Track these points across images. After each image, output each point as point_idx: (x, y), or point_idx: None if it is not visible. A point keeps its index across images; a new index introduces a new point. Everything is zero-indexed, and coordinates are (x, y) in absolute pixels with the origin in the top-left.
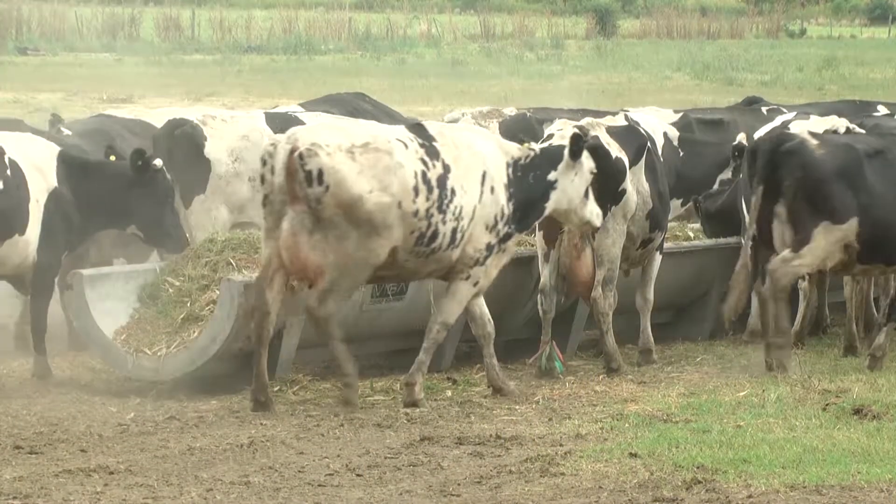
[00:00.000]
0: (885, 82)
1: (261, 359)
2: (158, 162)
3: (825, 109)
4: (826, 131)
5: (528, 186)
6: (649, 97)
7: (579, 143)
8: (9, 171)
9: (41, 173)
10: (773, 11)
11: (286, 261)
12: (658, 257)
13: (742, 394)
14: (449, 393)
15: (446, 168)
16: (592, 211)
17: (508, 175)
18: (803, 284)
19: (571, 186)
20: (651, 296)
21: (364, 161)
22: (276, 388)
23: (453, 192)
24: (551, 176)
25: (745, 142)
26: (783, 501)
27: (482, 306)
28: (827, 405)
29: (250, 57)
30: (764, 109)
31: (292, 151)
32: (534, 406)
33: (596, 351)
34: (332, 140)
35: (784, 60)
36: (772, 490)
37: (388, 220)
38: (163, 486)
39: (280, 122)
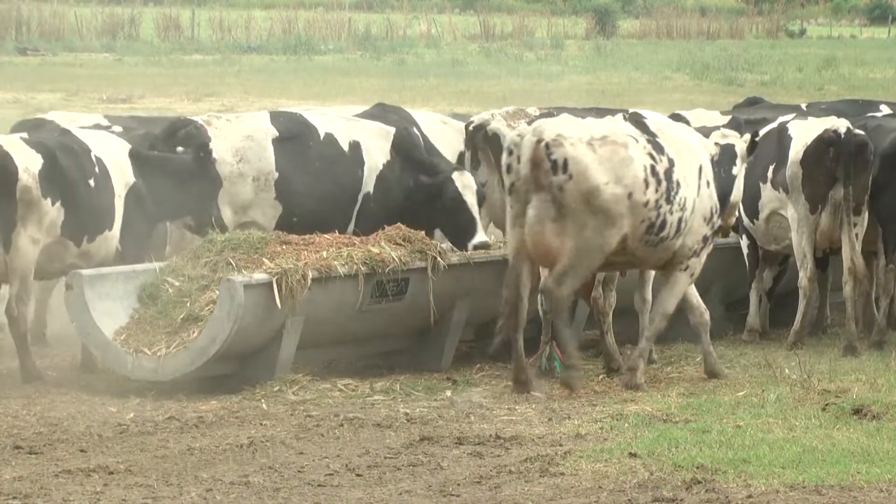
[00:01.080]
0: (885, 82)
1: (516, 343)
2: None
3: (827, 109)
4: (826, 131)
5: (722, 180)
6: (649, 97)
7: (755, 139)
8: (97, 169)
9: (121, 170)
10: (773, 11)
11: (530, 246)
12: None
13: (741, 394)
14: (449, 393)
15: (671, 162)
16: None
17: (713, 169)
18: (804, 284)
19: (741, 181)
20: (650, 296)
21: (602, 153)
22: (275, 389)
23: (678, 184)
24: (734, 170)
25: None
26: (783, 501)
27: (697, 296)
28: (826, 405)
29: (250, 57)
30: (803, 106)
31: (538, 142)
32: (534, 406)
33: (596, 351)
34: (574, 132)
35: (784, 60)
36: (771, 490)
37: (620, 210)
38: (162, 486)
39: (286, 122)
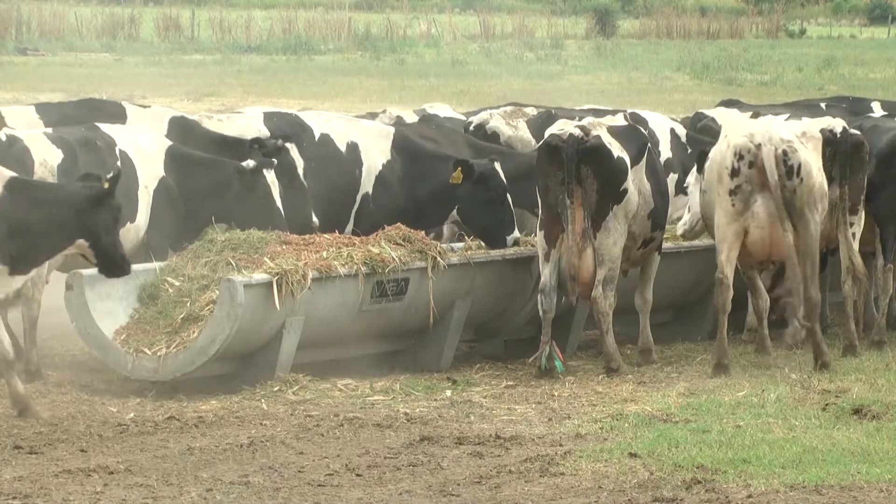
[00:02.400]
0: (885, 82)
1: (721, 327)
2: (250, 163)
3: (819, 107)
4: (822, 131)
5: None
6: (649, 97)
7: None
8: (118, 163)
9: (149, 162)
10: (773, 11)
11: (758, 240)
12: (656, 257)
13: (742, 394)
14: (449, 393)
15: None
16: None
17: None
18: None
19: None
20: (650, 296)
21: (810, 147)
22: (275, 389)
23: None
24: None
25: None
26: (783, 501)
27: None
28: (827, 405)
29: (250, 57)
30: (823, 105)
31: (775, 149)
32: (534, 406)
33: (596, 351)
34: (789, 134)
35: (784, 60)
36: (771, 490)
37: (820, 198)
38: (162, 486)
39: (279, 122)
